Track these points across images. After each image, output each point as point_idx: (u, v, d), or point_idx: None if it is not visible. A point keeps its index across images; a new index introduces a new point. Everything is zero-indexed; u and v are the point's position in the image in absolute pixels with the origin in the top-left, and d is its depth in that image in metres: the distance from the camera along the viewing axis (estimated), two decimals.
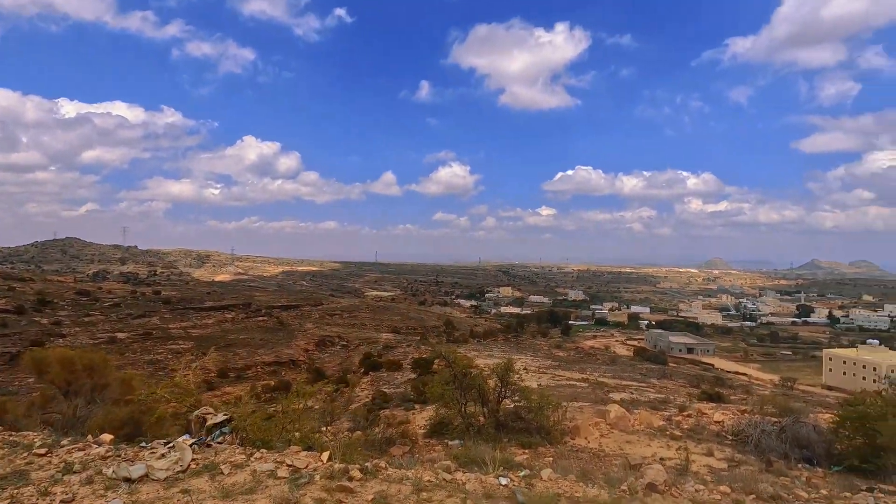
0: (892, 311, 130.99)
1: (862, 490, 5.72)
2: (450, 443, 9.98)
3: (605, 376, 35.84)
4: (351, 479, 3.72)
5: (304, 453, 4.54)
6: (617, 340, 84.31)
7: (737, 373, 52.71)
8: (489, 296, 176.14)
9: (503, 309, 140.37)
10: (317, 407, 14.72)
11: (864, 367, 47.58)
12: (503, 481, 3.92)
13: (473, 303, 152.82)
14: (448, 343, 52.64)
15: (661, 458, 9.64)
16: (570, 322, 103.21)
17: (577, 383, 31.27)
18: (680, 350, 76.40)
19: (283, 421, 6.07)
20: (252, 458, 4.22)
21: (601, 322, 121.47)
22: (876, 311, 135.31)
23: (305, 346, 54.27)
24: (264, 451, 4.56)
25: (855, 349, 61.13)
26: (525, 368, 39.38)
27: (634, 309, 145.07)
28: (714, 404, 18.00)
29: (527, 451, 9.77)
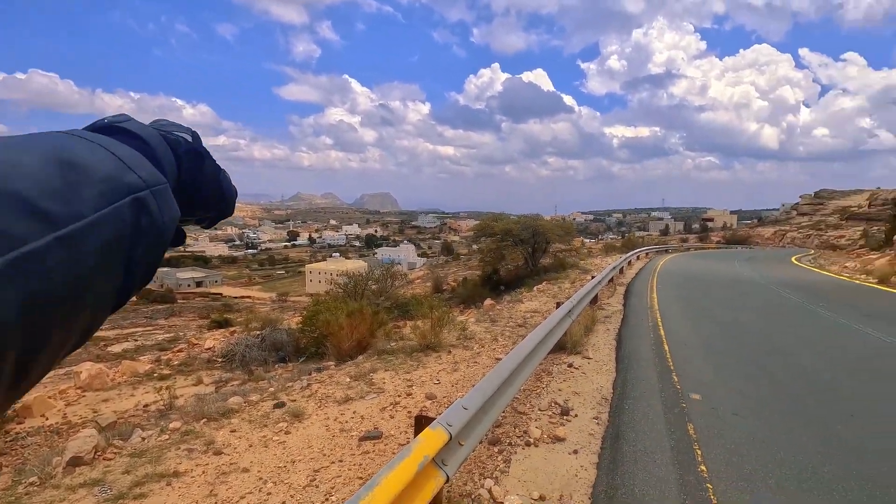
0: (347, 231, 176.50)
1: (308, 373, 6.97)
2: None
3: (103, 329, 30.72)
4: None
5: None
6: None
7: (243, 296, 57.19)
8: None
9: None
10: None
11: (328, 274, 62.28)
12: None
13: None
14: None
15: (146, 405, 8.84)
16: None
17: None
18: (189, 285, 75.15)
19: None
20: None
21: None
22: (338, 231, 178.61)
23: None
24: None
25: (325, 262, 79.04)
26: None
27: None
28: (218, 330, 18.58)
29: None
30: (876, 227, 30.14)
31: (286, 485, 3.17)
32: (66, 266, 0.26)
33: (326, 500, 2.92)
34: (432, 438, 2.12)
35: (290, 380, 6.15)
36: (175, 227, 0.36)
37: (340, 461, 3.47)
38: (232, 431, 4.11)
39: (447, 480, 2.18)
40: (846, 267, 20.56)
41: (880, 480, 3.01)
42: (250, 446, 3.81)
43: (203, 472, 3.38)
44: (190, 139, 0.42)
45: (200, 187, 0.42)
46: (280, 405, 4.77)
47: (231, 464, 3.50)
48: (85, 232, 0.27)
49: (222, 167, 0.46)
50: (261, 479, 3.27)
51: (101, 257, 0.28)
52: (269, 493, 3.08)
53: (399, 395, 4.87)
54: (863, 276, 16.84)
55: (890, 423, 3.93)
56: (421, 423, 2.34)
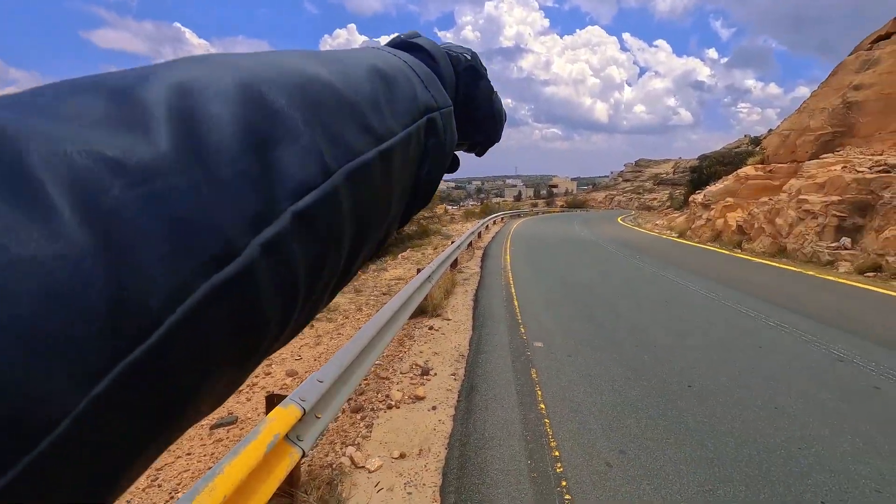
0: None
1: None
2: None
3: None
4: None
5: None
6: None
7: None
8: None
9: None
10: None
11: None
12: None
13: None
14: None
15: None
16: None
17: None
18: None
19: None
20: None
21: None
22: None
23: None
24: None
25: None
26: None
27: None
28: None
29: None
30: (678, 191, 36.41)
31: None
32: (382, 179, 0.26)
33: (171, 498, 2.69)
34: (284, 416, 2.07)
35: None
36: (454, 151, 0.36)
37: (189, 454, 3.20)
38: None
39: (303, 455, 2.16)
40: (657, 224, 24.60)
41: (671, 397, 3.76)
42: None
43: None
44: (469, 58, 0.41)
45: (475, 108, 0.42)
46: None
47: None
48: (396, 148, 0.27)
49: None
50: None
51: (402, 174, 0.29)
52: None
53: (256, 376, 4.62)
54: (668, 232, 20.36)
55: (678, 351, 4.89)
56: (272, 401, 2.25)
